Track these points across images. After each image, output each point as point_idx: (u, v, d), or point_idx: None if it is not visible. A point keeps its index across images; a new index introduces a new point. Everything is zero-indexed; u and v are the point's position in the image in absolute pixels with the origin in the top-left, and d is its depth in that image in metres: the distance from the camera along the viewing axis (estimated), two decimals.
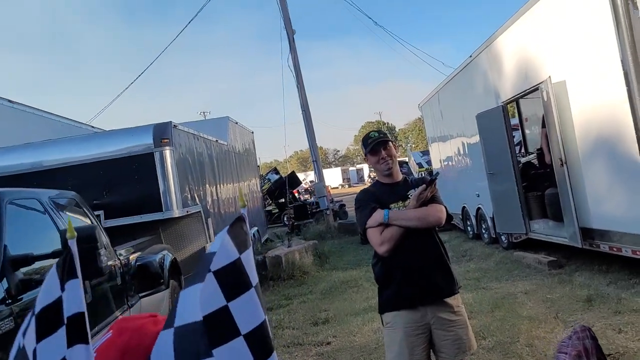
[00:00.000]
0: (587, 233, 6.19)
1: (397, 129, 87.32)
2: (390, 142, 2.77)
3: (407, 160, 26.11)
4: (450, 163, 12.08)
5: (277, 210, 22.23)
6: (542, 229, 7.89)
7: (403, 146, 45.77)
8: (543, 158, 9.19)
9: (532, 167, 9.43)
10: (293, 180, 22.42)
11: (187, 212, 7.02)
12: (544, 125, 8.07)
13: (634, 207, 5.38)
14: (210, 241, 7.90)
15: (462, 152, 10.94)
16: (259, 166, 15.81)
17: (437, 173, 2.87)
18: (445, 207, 2.71)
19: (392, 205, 2.71)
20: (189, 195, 7.33)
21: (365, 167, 69.22)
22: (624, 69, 5.03)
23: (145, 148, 6.63)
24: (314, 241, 11.15)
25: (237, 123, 12.60)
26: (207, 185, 8.49)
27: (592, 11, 5.47)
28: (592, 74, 5.70)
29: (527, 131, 11.40)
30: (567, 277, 6.43)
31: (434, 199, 2.67)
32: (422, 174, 19.53)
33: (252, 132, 15.22)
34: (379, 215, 2.64)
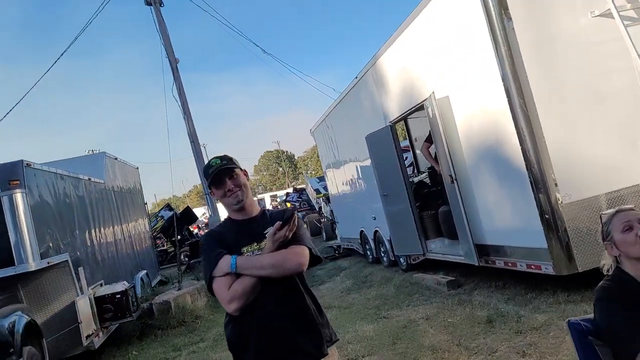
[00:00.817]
0: (482, 249, 6.06)
1: (296, 157, 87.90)
2: (236, 169, 2.28)
3: (305, 188, 25.86)
4: (345, 187, 11.85)
5: (172, 249, 20.96)
6: (438, 248, 7.76)
7: (303, 174, 45.85)
8: (435, 176, 9.21)
9: (425, 186, 9.40)
10: (188, 216, 21.35)
11: (49, 263, 6.05)
12: (427, 140, 8.02)
13: (522, 219, 5.29)
14: (82, 293, 6.93)
15: (355, 175, 10.74)
16: (146, 204, 14.69)
17: (295, 207, 2.37)
18: (311, 247, 2.22)
19: (244, 249, 2.21)
20: (51, 244, 6.36)
21: (267, 197, 68.75)
22: (503, 81, 4.95)
23: None
24: None
25: (117, 159, 11.58)
26: (77, 231, 7.51)
27: (468, 24, 5.40)
28: (473, 87, 5.62)
29: (417, 151, 11.47)
30: (467, 296, 6.24)
31: (295, 239, 2.18)
32: (319, 200, 19.26)
33: (137, 168, 14.16)
34: (225, 263, 2.11)
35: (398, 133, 8.90)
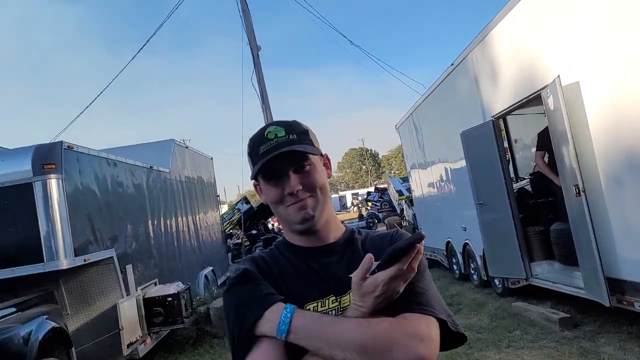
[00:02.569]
0: (615, 285, 4.59)
1: (380, 155, 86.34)
2: (311, 156, 1.24)
3: (386, 187, 24.55)
4: (431, 190, 10.50)
5: (248, 243, 20.47)
6: (546, 273, 6.31)
7: (385, 173, 44.24)
8: (539, 184, 7.69)
9: (528, 195, 7.90)
10: (265, 210, 20.75)
11: (85, 260, 5.30)
12: (539, 148, 6.59)
13: None
14: (129, 294, 6.18)
15: (444, 177, 9.37)
16: (218, 196, 14.06)
17: (421, 233, 1.08)
18: (446, 318, 1.13)
19: (310, 306, 1.19)
20: (92, 238, 5.62)
21: (348, 194, 67.71)
22: None
23: (20, 177, 4.94)
24: None
25: (187, 147, 10.94)
26: (130, 223, 6.77)
27: None
28: (622, 70, 4.17)
29: (516, 155, 9.90)
30: (590, 344, 4.79)
31: (412, 296, 1.12)
32: (401, 202, 17.83)
33: (211, 158, 13.54)
34: (272, 315, 1.11)
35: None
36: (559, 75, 4.70)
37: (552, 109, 4.97)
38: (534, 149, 9.88)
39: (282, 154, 1.19)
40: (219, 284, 11.40)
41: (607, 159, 4.47)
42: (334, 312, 1.18)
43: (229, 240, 20.19)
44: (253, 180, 1.33)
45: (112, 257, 5.93)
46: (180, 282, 7.38)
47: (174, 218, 8.97)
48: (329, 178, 1.31)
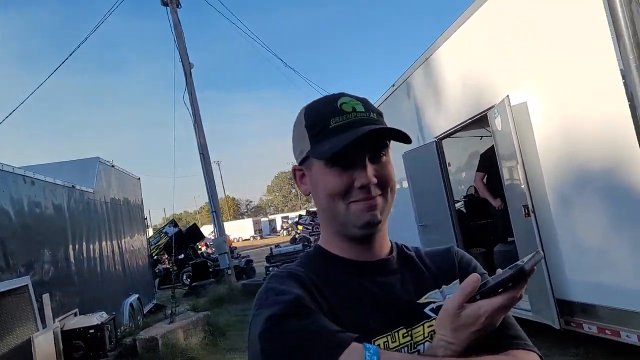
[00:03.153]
0: (564, 307, 4.56)
1: None
2: (387, 142, 1.00)
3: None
4: None
5: (175, 268, 19.57)
6: None
7: None
8: (474, 206, 7.77)
9: (465, 217, 7.94)
10: (194, 234, 20.02)
11: None
12: (479, 169, 6.63)
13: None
14: (45, 327, 5.53)
15: None
16: (146, 218, 13.33)
17: (541, 253, 0.81)
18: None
19: (378, 341, 0.92)
20: (3, 264, 4.98)
21: (278, 218, 66.97)
22: (622, 75, 3.52)
23: None
24: (205, 313, 8.87)
25: (113, 166, 10.25)
26: (47, 248, 6.12)
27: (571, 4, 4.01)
28: (569, 91, 4.17)
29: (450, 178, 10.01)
30: None
31: (507, 326, 0.96)
32: None
33: (139, 179, 12.84)
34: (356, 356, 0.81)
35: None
36: (508, 95, 4.68)
37: (499, 129, 4.94)
38: (464, 174, 10.10)
39: (371, 133, 0.91)
40: (144, 312, 10.68)
41: (555, 180, 4.46)
42: (406, 349, 0.94)
43: (159, 265, 19.26)
44: (294, 164, 1.04)
45: (26, 286, 5.28)
46: (104, 312, 6.75)
47: (97, 242, 8.29)
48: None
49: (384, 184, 0.96)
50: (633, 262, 3.80)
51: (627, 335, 3.92)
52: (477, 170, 6.74)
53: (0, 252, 4.95)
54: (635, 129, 3.49)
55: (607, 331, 4.14)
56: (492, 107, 5.01)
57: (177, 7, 14.62)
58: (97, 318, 6.34)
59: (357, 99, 0.98)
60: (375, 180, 0.93)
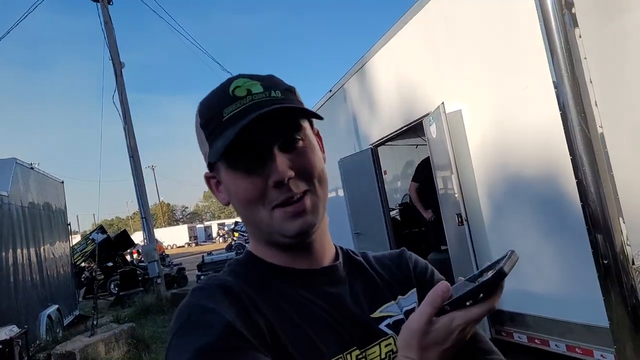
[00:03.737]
0: (494, 316, 4.55)
1: None
2: (302, 123, 0.80)
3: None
4: None
5: (102, 277, 18.64)
6: None
7: None
8: (409, 214, 7.80)
9: (400, 225, 7.95)
10: (124, 241, 19.20)
11: None
12: (414, 179, 6.64)
13: (568, 281, 3.84)
14: None
15: None
16: (69, 224, 12.58)
17: (516, 254, 0.65)
18: None
19: None
20: None
21: (214, 225, 65.62)
22: (557, 90, 3.53)
23: None
24: (130, 324, 8.39)
25: (32, 168, 9.58)
26: None
27: (505, 13, 4.02)
28: (504, 99, 4.17)
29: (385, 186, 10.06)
30: None
31: (477, 338, 0.86)
32: None
33: (62, 182, 12.11)
34: None
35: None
36: (443, 102, 4.65)
37: (434, 137, 4.91)
38: (400, 182, 10.16)
39: (265, 116, 0.73)
40: (65, 324, 10.02)
41: (488, 188, 4.46)
42: None
43: (84, 273, 18.31)
44: (207, 172, 0.86)
45: None
46: (14, 326, 6.20)
47: (11, 249, 7.66)
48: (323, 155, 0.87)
49: (307, 175, 0.78)
50: (560, 271, 3.83)
51: (556, 345, 3.94)
52: (412, 180, 6.74)
53: None
54: (567, 138, 3.51)
55: (536, 340, 4.15)
56: (427, 114, 4.98)
57: (109, 3, 14.02)
58: (5, 332, 5.81)
59: (256, 77, 0.79)
60: (291, 173, 0.76)
